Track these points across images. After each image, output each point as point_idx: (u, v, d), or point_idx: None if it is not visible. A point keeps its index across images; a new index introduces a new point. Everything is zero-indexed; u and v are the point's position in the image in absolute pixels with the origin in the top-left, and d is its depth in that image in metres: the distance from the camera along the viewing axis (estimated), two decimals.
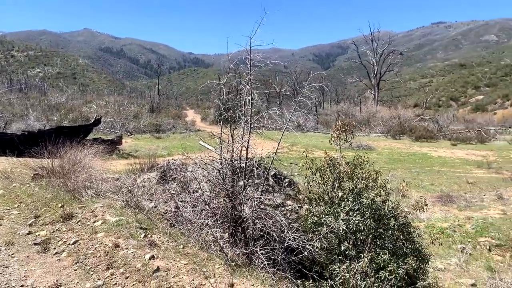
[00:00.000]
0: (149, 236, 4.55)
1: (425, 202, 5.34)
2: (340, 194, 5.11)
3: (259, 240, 4.48)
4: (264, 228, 4.41)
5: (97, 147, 10.01)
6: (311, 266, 4.60)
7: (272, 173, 8.29)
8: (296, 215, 5.94)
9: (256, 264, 4.08)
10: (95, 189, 6.34)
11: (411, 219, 8.09)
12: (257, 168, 5.18)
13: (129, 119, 32.01)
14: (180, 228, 4.99)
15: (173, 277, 3.64)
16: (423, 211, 5.33)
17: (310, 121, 41.05)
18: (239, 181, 4.91)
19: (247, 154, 4.83)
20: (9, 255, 4.13)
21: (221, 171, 4.72)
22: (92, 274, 3.79)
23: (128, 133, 26.80)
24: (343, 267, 4.22)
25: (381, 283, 4.15)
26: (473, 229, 8.31)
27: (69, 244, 4.41)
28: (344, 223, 4.63)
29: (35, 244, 4.41)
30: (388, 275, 4.24)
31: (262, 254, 4.05)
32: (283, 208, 5.82)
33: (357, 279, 4.09)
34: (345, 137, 5.77)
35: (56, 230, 4.81)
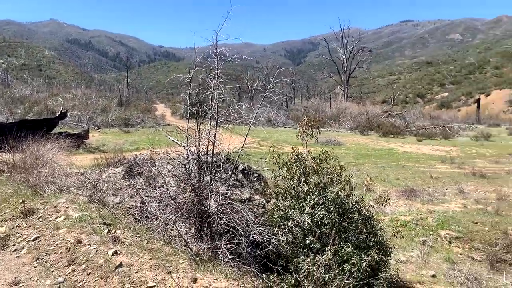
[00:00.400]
0: (113, 231, 4.49)
1: (388, 196, 5.49)
2: (305, 188, 5.18)
3: (225, 235, 4.49)
4: (230, 223, 4.42)
5: (62, 141, 9.76)
6: (277, 259, 4.65)
7: (241, 167, 8.31)
8: (263, 209, 5.99)
9: (221, 258, 4.09)
10: (58, 184, 6.19)
11: (376, 213, 8.30)
12: (224, 163, 5.18)
13: (97, 113, 31.27)
14: (145, 223, 4.95)
15: (136, 272, 3.61)
16: (385, 205, 5.47)
17: (281, 116, 41.35)
18: (205, 176, 4.90)
19: (213, 149, 4.82)
20: None
21: (187, 166, 4.70)
22: (52, 271, 3.71)
23: (96, 127, 26.19)
24: (307, 260, 4.28)
25: (344, 276, 4.24)
26: (434, 222, 8.60)
27: (29, 240, 4.30)
28: (309, 217, 4.69)
29: None
30: (351, 267, 4.34)
31: (227, 248, 4.07)
32: (250, 203, 5.85)
33: (321, 272, 4.16)
34: (312, 132, 5.84)
35: (16, 226, 4.67)
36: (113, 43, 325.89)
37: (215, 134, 4.76)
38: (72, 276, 3.61)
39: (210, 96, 4.93)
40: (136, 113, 35.43)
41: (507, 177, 14.31)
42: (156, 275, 3.56)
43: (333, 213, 4.77)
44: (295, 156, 5.56)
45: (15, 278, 3.57)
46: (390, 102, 68.81)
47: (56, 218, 4.85)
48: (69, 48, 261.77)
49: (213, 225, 4.54)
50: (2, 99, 34.01)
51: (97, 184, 6.40)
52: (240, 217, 4.52)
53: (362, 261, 4.38)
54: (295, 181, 5.54)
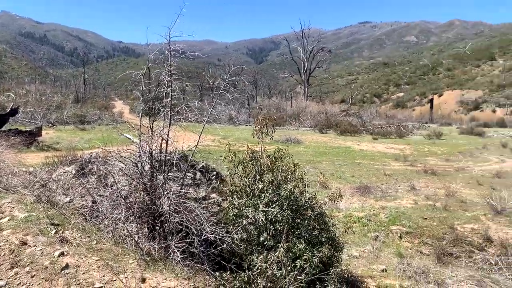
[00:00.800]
0: (60, 232, 4.34)
1: (339, 193, 5.62)
2: (260, 186, 5.22)
3: (178, 234, 4.45)
4: (183, 222, 4.38)
5: (12, 139, 9.36)
6: (231, 257, 4.66)
7: (200, 166, 8.26)
8: (218, 207, 5.98)
9: (173, 258, 4.05)
10: (4, 184, 5.92)
11: (331, 209, 8.52)
12: (179, 162, 5.13)
13: (51, 110, 30.14)
14: (96, 223, 4.82)
15: (83, 273, 3.51)
16: (338, 201, 5.61)
17: (242, 114, 41.42)
18: (159, 174, 4.84)
19: (166, 147, 4.77)
20: None
21: (138, 165, 4.61)
22: None
23: (50, 124, 25.23)
24: (260, 257, 4.32)
25: (297, 272, 4.31)
26: (386, 218, 8.91)
27: None
28: (263, 215, 4.73)
29: None
30: (304, 263, 4.41)
31: (178, 247, 4.03)
32: (205, 202, 5.83)
33: (274, 269, 4.21)
34: (267, 130, 5.89)
35: None
36: (69, 37, 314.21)
37: (168, 132, 4.70)
38: (15, 279, 3.46)
39: (164, 93, 4.87)
40: (93, 110, 34.46)
41: (456, 174, 15.03)
42: (103, 276, 3.48)
43: (286, 210, 4.84)
44: (251, 155, 5.60)
45: None
46: (348, 101, 70.54)
47: (0, 219, 4.64)
48: (22, 41, 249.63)
49: (166, 224, 4.49)
50: None
51: (46, 183, 6.17)
52: (194, 216, 4.49)
53: (314, 257, 4.46)
54: (250, 179, 5.57)
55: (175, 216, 4.36)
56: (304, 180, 5.31)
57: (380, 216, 9.01)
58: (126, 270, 3.59)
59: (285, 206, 4.88)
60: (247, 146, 5.74)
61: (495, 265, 6.88)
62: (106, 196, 5.01)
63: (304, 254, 4.49)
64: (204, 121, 4.98)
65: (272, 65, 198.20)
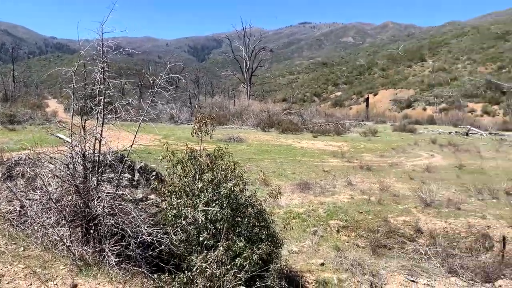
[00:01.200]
0: None
1: (279, 190, 5.69)
2: (200, 185, 5.16)
3: (113, 237, 4.29)
4: (118, 224, 4.23)
5: None
6: (169, 259, 4.58)
7: (138, 166, 8.03)
8: (157, 209, 5.85)
9: (108, 262, 3.90)
10: None
11: (272, 206, 8.62)
12: (114, 162, 4.95)
13: None
14: (24, 229, 4.53)
15: (8, 283, 3.28)
16: (277, 198, 5.68)
17: (184, 113, 40.80)
18: (92, 176, 4.64)
19: (100, 147, 4.58)
20: None
21: (70, 166, 4.39)
22: None
23: None
24: (200, 257, 4.28)
25: (237, 270, 4.32)
26: (325, 213, 9.18)
27: None
28: (203, 214, 4.69)
29: None
30: (243, 261, 4.43)
31: (112, 251, 3.89)
32: (142, 203, 5.68)
33: (213, 268, 4.19)
34: (206, 129, 5.83)
35: None
36: None
37: (101, 132, 4.51)
38: None
39: (97, 91, 4.67)
40: (23, 109, 32.23)
41: (389, 169, 15.82)
42: (31, 284, 3.27)
43: (226, 209, 4.83)
44: (189, 154, 5.52)
45: None
46: (289, 100, 71.94)
47: None
48: None
49: (100, 228, 4.31)
50: None
51: None
52: (130, 218, 4.36)
53: (253, 254, 4.50)
54: (189, 179, 5.49)
55: (110, 219, 4.20)
56: (244, 178, 5.32)
57: (318, 211, 9.26)
58: (56, 277, 3.41)
59: (225, 205, 4.87)
60: (186, 145, 5.66)
61: (425, 255, 7.30)
62: (36, 199, 4.73)
63: (244, 252, 4.51)
64: (140, 119, 4.84)
65: (215, 64, 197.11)
